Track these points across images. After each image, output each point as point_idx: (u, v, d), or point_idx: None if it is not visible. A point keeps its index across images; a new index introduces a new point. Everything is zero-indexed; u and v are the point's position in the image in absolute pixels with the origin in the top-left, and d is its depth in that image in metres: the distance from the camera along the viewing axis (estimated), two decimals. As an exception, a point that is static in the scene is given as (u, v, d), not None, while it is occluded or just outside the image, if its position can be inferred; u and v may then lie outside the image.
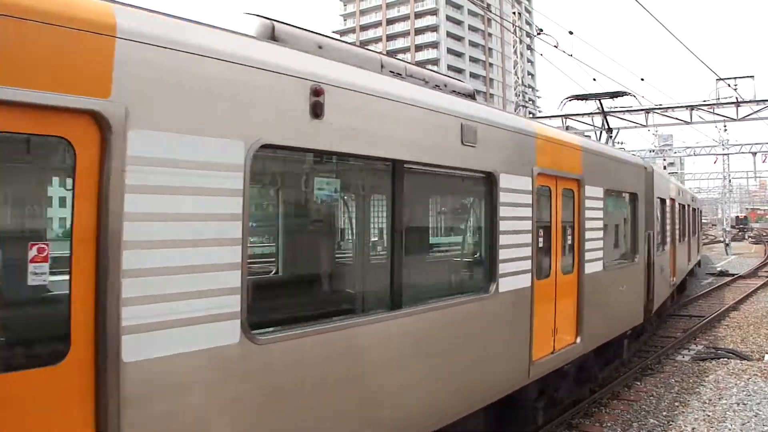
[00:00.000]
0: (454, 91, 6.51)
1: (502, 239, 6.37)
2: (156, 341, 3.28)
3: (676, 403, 9.82)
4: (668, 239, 15.49)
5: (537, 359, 7.20)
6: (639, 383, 11.04)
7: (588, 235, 8.54)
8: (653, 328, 15.23)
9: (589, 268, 8.58)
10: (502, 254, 6.40)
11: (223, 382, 3.63)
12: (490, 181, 6.27)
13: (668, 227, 15.52)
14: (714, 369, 11.90)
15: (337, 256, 5.96)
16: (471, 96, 6.91)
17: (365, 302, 5.40)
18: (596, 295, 8.82)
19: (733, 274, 29.79)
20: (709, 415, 9.14)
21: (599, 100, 14.42)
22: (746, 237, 76.90)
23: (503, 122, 6.65)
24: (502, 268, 6.39)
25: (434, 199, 7.54)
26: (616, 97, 14.26)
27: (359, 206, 5.69)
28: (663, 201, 14.60)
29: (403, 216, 5.16)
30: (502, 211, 6.38)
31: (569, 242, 8.21)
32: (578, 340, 8.30)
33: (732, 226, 66.46)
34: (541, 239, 7.28)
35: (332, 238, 5.84)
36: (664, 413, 9.36)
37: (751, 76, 28.53)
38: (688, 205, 22.47)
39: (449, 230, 7.89)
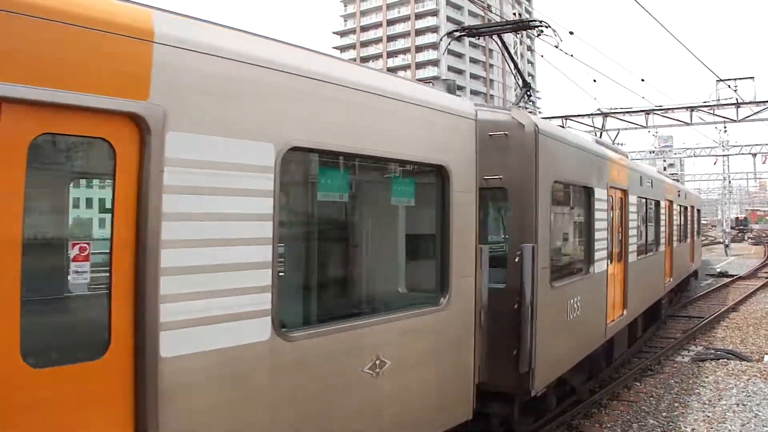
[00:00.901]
0: None
1: None
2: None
3: (676, 404, 9.83)
4: (600, 255, 9.50)
5: None
6: (639, 384, 11.06)
7: (189, 258, 3.49)
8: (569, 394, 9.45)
9: (177, 343, 3.42)
10: None
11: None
12: None
13: (604, 235, 9.71)
14: (713, 370, 11.91)
15: None
16: None
17: None
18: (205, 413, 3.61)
19: (732, 275, 29.79)
20: (708, 416, 9.15)
21: (499, 35, 9.66)
22: (746, 238, 76.88)
23: None
24: None
25: None
26: (521, 30, 9.89)
27: None
28: (588, 191, 9.11)
29: None
30: None
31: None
32: None
33: (732, 227, 66.42)
34: None
35: None
36: (664, 414, 9.37)
37: (751, 78, 28.64)
38: (670, 202, 16.87)
39: None
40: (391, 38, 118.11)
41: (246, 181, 3.80)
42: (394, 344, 4.98)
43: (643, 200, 12.98)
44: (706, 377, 11.37)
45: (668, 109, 29.30)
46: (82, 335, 3.47)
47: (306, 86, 4.25)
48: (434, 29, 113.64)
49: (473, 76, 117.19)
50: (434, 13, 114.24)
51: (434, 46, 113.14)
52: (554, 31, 10.39)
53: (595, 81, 38.41)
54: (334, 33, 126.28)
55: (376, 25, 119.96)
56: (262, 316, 3.86)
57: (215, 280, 3.60)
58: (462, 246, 5.80)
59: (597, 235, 9.35)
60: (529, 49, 58.42)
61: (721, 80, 27.57)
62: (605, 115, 30.10)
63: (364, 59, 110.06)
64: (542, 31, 9.91)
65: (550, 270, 7.47)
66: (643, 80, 27.49)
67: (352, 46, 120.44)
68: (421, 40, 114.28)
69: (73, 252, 3.38)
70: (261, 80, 3.97)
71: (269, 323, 3.90)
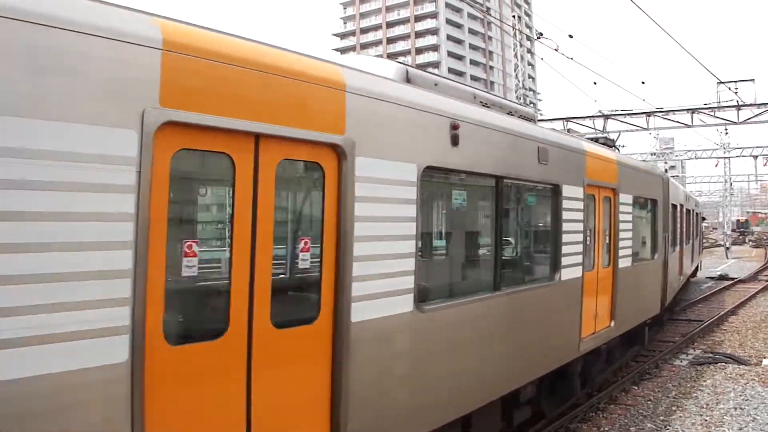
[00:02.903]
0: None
1: None
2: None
3: (674, 408, 9.81)
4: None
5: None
6: (636, 387, 11.05)
7: None
8: None
9: None
10: None
11: None
12: None
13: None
14: (712, 374, 11.88)
15: None
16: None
17: None
18: None
19: (732, 278, 29.75)
20: (706, 420, 9.13)
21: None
22: (747, 241, 76.80)
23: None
24: None
25: None
26: None
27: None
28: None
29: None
30: None
31: None
32: None
33: (732, 230, 66.37)
34: None
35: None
36: (662, 418, 9.35)
37: (751, 80, 28.62)
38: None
39: None
40: (391, 40, 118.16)
41: None
42: None
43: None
44: (704, 381, 11.35)
45: (669, 111, 29.27)
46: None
47: None
48: (434, 31, 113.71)
49: (473, 78, 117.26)
50: (434, 15, 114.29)
51: (434, 48, 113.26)
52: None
53: (595, 83, 38.35)
54: (333, 35, 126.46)
55: (376, 27, 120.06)
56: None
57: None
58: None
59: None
60: (529, 51, 58.49)
61: (721, 82, 27.58)
62: (606, 117, 30.10)
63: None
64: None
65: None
66: (643, 83, 27.99)
67: (352, 48, 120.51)
68: (421, 42, 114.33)
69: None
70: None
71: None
